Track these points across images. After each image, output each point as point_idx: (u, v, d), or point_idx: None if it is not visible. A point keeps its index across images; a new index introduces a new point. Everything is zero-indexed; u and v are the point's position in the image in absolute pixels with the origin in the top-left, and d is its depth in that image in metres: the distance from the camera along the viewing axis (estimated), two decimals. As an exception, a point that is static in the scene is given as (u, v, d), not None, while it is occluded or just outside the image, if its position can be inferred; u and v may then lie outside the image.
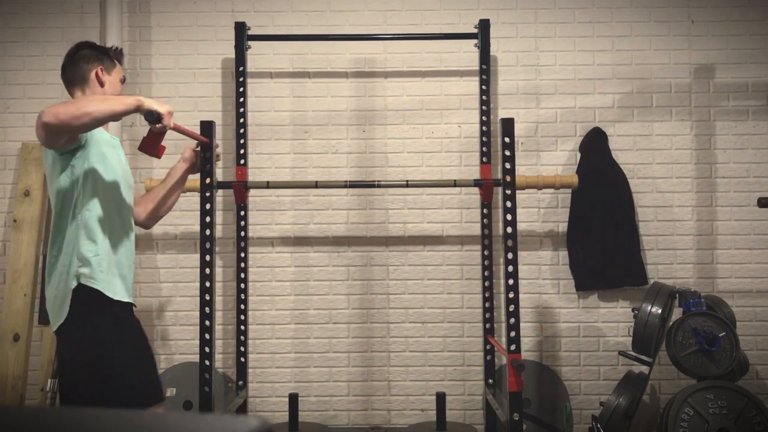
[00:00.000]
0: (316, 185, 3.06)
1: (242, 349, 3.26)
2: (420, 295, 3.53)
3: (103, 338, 2.07)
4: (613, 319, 3.52)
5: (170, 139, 2.33)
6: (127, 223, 2.27)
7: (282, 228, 3.55)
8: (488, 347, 3.35)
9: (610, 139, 3.54)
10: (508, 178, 2.78)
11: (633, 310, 3.19)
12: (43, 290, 3.33)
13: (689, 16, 3.60)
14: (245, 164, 3.31)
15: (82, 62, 2.27)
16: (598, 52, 3.59)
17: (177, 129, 2.31)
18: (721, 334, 2.96)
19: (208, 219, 2.75)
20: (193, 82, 3.59)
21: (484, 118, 3.33)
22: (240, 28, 3.35)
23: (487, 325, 3.34)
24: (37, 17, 3.61)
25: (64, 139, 2.04)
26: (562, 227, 3.53)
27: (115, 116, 2.06)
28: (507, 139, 2.77)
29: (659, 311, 3.05)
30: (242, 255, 3.30)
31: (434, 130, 3.57)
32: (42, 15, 3.61)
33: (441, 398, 3.30)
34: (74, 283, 2.07)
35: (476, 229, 3.45)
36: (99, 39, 3.48)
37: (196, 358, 3.18)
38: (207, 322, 2.73)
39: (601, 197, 3.46)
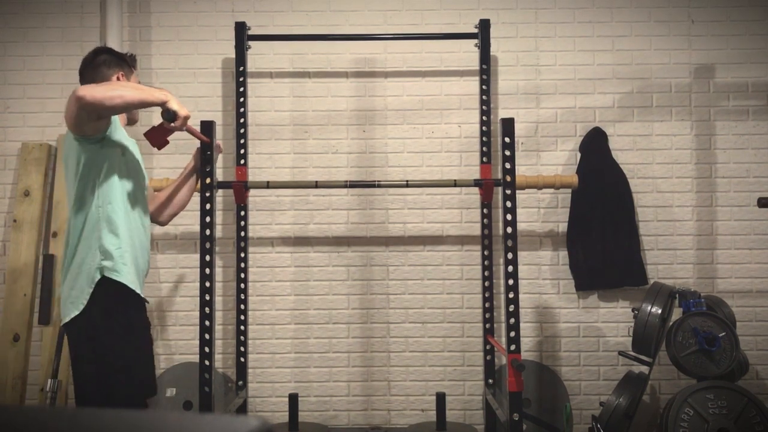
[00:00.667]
0: (316, 185, 3.06)
1: (242, 349, 3.26)
2: (420, 295, 3.53)
3: (122, 330, 2.10)
4: (613, 319, 3.52)
5: (171, 138, 2.34)
6: (145, 220, 2.30)
7: (282, 228, 3.55)
8: (488, 347, 3.35)
9: (610, 139, 3.54)
10: (508, 178, 2.78)
11: (633, 310, 3.19)
12: (43, 290, 3.34)
13: (689, 16, 3.60)
14: (245, 164, 3.31)
15: (103, 67, 2.29)
16: (598, 52, 3.59)
17: (188, 131, 2.34)
18: (721, 334, 2.96)
19: (208, 219, 2.75)
20: (193, 81, 3.59)
21: (484, 118, 3.33)
22: (240, 28, 3.35)
23: (487, 325, 3.34)
24: (37, 17, 3.61)
25: (92, 121, 2.04)
26: (562, 227, 3.53)
27: (143, 105, 2.14)
28: (507, 139, 2.77)
29: (659, 311, 3.04)
30: (242, 255, 3.30)
31: (434, 130, 3.57)
32: (42, 15, 3.61)
33: (441, 398, 3.30)
34: (98, 276, 2.08)
35: (476, 229, 3.45)
36: (99, 39, 3.49)
37: (196, 358, 3.18)
38: (207, 322, 2.73)
39: (601, 197, 3.46)
